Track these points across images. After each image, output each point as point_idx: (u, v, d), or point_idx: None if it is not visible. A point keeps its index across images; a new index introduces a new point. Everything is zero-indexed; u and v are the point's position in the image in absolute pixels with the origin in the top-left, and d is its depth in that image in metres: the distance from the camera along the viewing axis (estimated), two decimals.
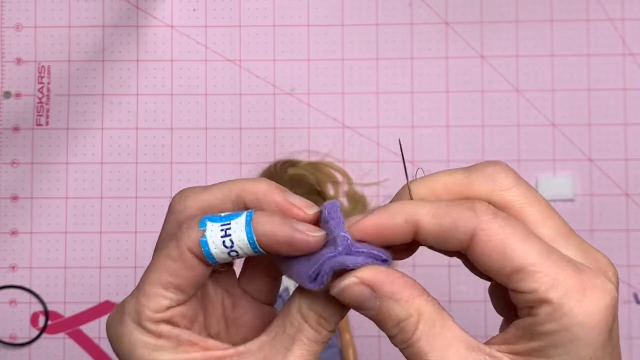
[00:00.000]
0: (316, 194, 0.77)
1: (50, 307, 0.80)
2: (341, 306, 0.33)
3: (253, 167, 0.80)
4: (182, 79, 0.81)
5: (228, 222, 0.32)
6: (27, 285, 0.80)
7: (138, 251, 0.80)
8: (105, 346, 0.80)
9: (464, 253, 0.33)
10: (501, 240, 0.30)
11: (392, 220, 0.32)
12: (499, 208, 0.32)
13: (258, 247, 0.32)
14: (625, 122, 0.80)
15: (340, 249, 0.31)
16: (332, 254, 0.31)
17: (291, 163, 0.79)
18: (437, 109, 0.81)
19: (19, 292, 0.80)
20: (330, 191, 0.80)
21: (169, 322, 0.33)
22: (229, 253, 0.32)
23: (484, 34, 0.81)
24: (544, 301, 0.29)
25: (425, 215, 0.32)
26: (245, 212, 0.32)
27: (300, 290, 0.33)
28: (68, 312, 0.80)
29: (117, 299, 0.80)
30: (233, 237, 0.32)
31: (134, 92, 0.81)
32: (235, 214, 0.32)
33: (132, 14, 0.82)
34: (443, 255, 0.84)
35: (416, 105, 0.81)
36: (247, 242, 0.32)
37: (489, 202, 0.32)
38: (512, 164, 0.79)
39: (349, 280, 0.31)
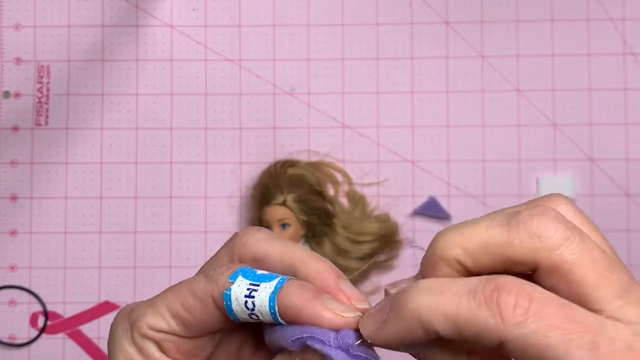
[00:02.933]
0: (316, 194, 0.77)
1: (49, 308, 0.80)
2: None
3: (253, 167, 0.80)
4: (182, 79, 0.81)
5: (258, 283, 0.30)
6: (26, 286, 0.80)
7: (137, 251, 0.80)
8: (105, 346, 0.79)
9: None
10: (538, 345, 0.25)
11: (410, 333, 0.28)
12: (548, 270, 0.27)
13: (279, 318, 0.30)
14: (626, 122, 0.80)
15: (340, 341, 0.29)
16: (327, 341, 0.29)
17: (291, 163, 0.79)
18: (437, 109, 0.81)
19: (18, 292, 0.80)
20: (330, 191, 0.80)
21: (157, 343, 0.31)
22: (250, 315, 0.30)
23: (484, 34, 0.81)
24: None
25: (442, 326, 0.27)
26: (279, 278, 0.30)
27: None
28: (67, 312, 0.80)
29: (116, 299, 0.80)
30: (256, 301, 0.30)
31: (134, 91, 0.81)
32: (270, 275, 0.30)
33: (131, 14, 0.82)
34: None
35: (416, 105, 0.81)
36: (268, 310, 0.30)
37: (535, 265, 0.27)
38: (512, 164, 0.80)
39: None
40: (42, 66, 0.82)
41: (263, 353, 0.33)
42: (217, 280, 0.30)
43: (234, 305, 0.30)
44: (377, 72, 0.81)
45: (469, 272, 0.28)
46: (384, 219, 0.79)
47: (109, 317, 0.79)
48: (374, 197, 0.80)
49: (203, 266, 0.33)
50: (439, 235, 0.29)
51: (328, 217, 0.77)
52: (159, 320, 0.31)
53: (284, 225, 0.75)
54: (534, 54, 0.80)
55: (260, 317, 0.30)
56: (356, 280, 0.78)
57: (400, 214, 0.80)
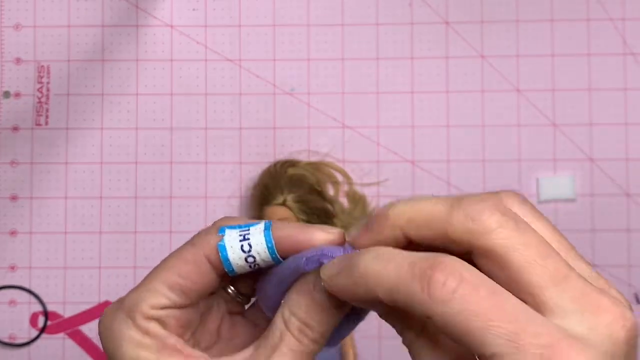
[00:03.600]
0: (316, 194, 0.77)
1: (49, 308, 0.80)
2: (326, 313, 0.31)
3: (253, 167, 0.80)
4: (182, 79, 0.81)
5: (247, 228, 0.32)
6: (26, 286, 0.80)
7: (137, 251, 0.80)
8: None
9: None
10: (459, 325, 0.26)
11: (356, 292, 0.29)
12: (482, 254, 0.28)
13: (275, 251, 0.32)
14: (626, 122, 0.80)
15: (348, 251, 0.31)
16: (337, 254, 0.31)
17: (291, 163, 0.79)
18: (437, 109, 0.81)
19: (18, 292, 0.80)
20: (330, 191, 0.80)
21: (160, 322, 0.32)
22: (246, 258, 0.32)
23: (484, 34, 0.81)
24: None
25: (383, 293, 0.28)
26: (264, 221, 0.32)
27: (285, 299, 0.32)
28: (67, 312, 0.80)
29: (116, 299, 0.80)
30: (252, 241, 0.32)
31: (134, 91, 0.81)
32: (254, 222, 0.32)
33: (131, 14, 0.82)
34: None
35: (416, 105, 0.81)
36: (265, 245, 0.32)
37: (470, 246, 0.28)
38: (512, 164, 0.80)
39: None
40: (42, 66, 0.82)
41: (240, 329, 0.35)
42: (207, 239, 0.32)
43: (230, 254, 0.32)
44: (377, 72, 0.81)
45: (411, 243, 0.30)
46: None
47: None
48: (374, 197, 0.80)
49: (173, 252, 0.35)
50: (392, 203, 0.30)
51: (328, 217, 0.77)
52: (160, 297, 0.32)
53: None
54: (534, 54, 0.80)
55: (257, 258, 0.32)
56: None
57: None
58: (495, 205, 0.28)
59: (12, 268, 0.80)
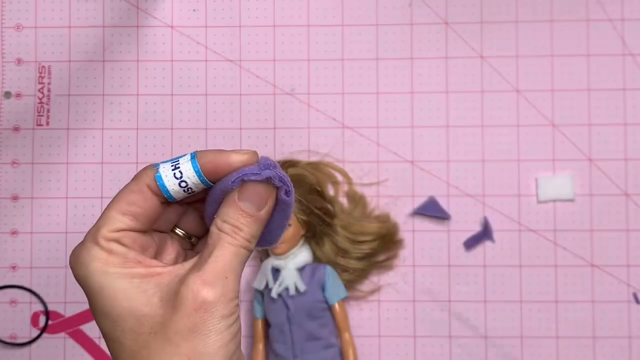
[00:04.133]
0: (316, 194, 0.77)
1: (50, 307, 0.80)
2: (251, 218, 0.38)
3: None
4: (182, 79, 0.81)
5: (177, 159, 0.39)
6: (27, 285, 0.80)
7: None
8: (105, 346, 0.80)
9: None
10: None
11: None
12: None
13: (202, 174, 0.39)
14: (625, 122, 0.80)
15: (262, 166, 0.39)
16: (255, 171, 0.38)
17: (291, 163, 0.79)
18: (437, 109, 0.81)
19: (19, 292, 0.80)
20: (330, 191, 0.80)
21: (120, 242, 0.39)
22: (179, 184, 0.39)
23: (483, 34, 0.81)
24: None
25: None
26: (190, 152, 0.40)
27: (217, 213, 0.39)
28: (68, 311, 0.80)
29: None
30: (181, 169, 0.39)
31: (134, 92, 0.81)
32: (182, 155, 0.40)
33: (132, 14, 0.82)
34: (443, 255, 0.85)
35: (416, 105, 0.81)
36: (192, 171, 0.39)
37: None
38: (512, 164, 0.80)
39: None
40: (43, 67, 0.82)
41: (191, 258, 0.41)
42: (145, 172, 0.40)
43: (166, 182, 0.39)
44: (377, 73, 0.81)
45: None
46: (384, 219, 0.79)
47: None
48: (374, 197, 0.80)
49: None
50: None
51: (328, 217, 0.77)
52: (116, 222, 0.39)
53: None
54: (533, 54, 0.80)
55: (189, 182, 0.39)
56: (356, 281, 0.79)
57: (400, 214, 0.80)
58: None
59: (13, 268, 0.81)
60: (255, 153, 0.39)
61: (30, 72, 0.82)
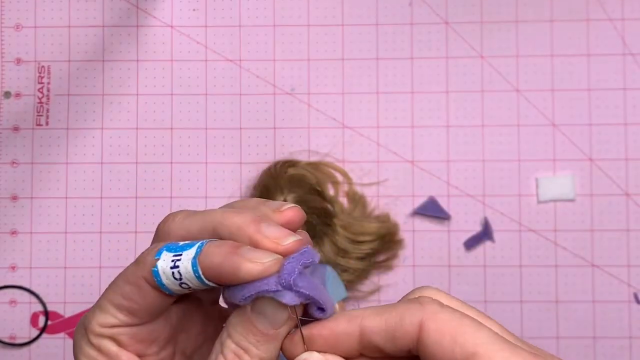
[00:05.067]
0: (316, 194, 0.77)
1: (50, 307, 0.80)
2: (263, 338, 0.31)
3: (253, 167, 0.80)
4: (182, 79, 0.81)
5: (180, 253, 0.31)
6: (27, 285, 0.80)
7: (138, 251, 0.80)
8: None
9: (415, 352, 0.30)
10: (452, 328, 0.28)
11: (335, 323, 0.30)
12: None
13: (205, 280, 0.31)
14: (625, 122, 0.80)
15: (283, 283, 0.30)
16: (273, 287, 0.30)
17: (291, 163, 0.79)
18: (437, 109, 0.81)
19: (18, 292, 0.80)
20: (330, 191, 0.80)
21: (113, 339, 0.32)
22: (180, 285, 0.31)
23: (484, 34, 0.81)
24: None
25: (369, 314, 0.30)
26: (199, 243, 0.31)
27: (227, 321, 0.32)
28: (68, 312, 0.80)
29: None
30: (181, 270, 0.31)
31: (134, 92, 0.81)
32: (191, 243, 0.31)
33: (132, 14, 0.82)
34: (443, 255, 0.84)
35: (416, 105, 0.81)
36: (193, 275, 0.31)
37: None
38: (512, 164, 0.80)
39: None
40: (43, 66, 0.82)
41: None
42: (145, 261, 0.32)
43: (164, 280, 0.31)
44: (377, 72, 0.81)
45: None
46: (384, 219, 0.79)
47: None
48: (374, 197, 0.80)
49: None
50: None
51: (328, 217, 0.77)
52: (107, 317, 0.32)
53: None
54: (533, 54, 0.80)
55: (190, 285, 0.31)
56: (356, 281, 0.78)
57: (400, 214, 0.80)
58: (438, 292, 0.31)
59: (13, 268, 0.80)
60: (277, 261, 0.30)
61: (29, 71, 0.82)
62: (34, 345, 0.80)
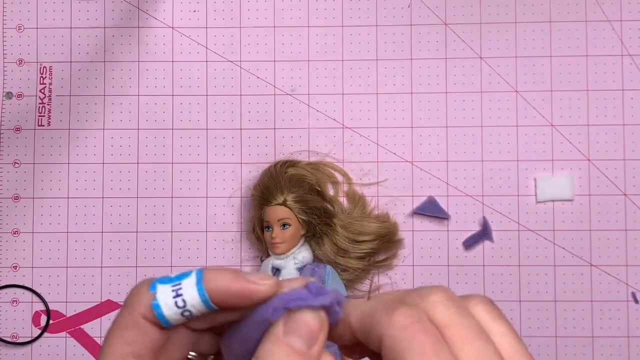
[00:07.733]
0: (316, 194, 0.78)
1: (51, 307, 0.80)
2: (299, 357, 0.29)
3: (253, 167, 0.81)
4: (183, 80, 0.82)
5: (179, 282, 0.32)
6: (28, 285, 0.81)
7: (139, 250, 0.80)
8: None
9: None
10: (400, 352, 0.27)
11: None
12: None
13: (211, 303, 0.31)
14: (623, 122, 0.80)
15: (313, 290, 0.30)
16: (301, 297, 0.30)
17: (291, 163, 0.79)
18: (437, 109, 0.81)
19: (20, 291, 0.80)
20: (330, 191, 0.80)
21: None
22: (182, 313, 0.32)
23: (483, 35, 0.81)
24: None
25: (354, 313, 0.30)
26: (195, 271, 0.32)
27: (256, 353, 0.30)
28: (69, 311, 0.80)
29: (118, 298, 0.80)
30: (185, 297, 0.31)
31: (135, 92, 0.82)
32: (185, 273, 0.32)
33: (133, 15, 0.82)
34: (442, 255, 0.85)
35: (416, 105, 0.81)
36: (199, 299, 0.31)
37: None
38: (511, 164, 0.80)
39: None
40: (44, 67, 0.82)
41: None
42: (139, 300, 0.32)
43: (165, 311, 0.31)
44: (377, 73, 0.81)
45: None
46: (384, 219, 0.79)
47: (111, 316, 0.79)
48: (374, 197, 0.80)
49: (107, 332, 0.33)
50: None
51: (328, 217, 0.77)
52: None
53: (284, 225, 0.75)
54: (532, 55, 0.81)
55: (194, 311, 0.31)
56: (356, 280, 0.79)
57: (400, 214, 0.80)
58: (443, 291, 0.31)
59: (15, 267, 0.81)
60: (277, 283, 0.31)
61: (31, 72, 0.82)
62: (35, 344, 0.80)
